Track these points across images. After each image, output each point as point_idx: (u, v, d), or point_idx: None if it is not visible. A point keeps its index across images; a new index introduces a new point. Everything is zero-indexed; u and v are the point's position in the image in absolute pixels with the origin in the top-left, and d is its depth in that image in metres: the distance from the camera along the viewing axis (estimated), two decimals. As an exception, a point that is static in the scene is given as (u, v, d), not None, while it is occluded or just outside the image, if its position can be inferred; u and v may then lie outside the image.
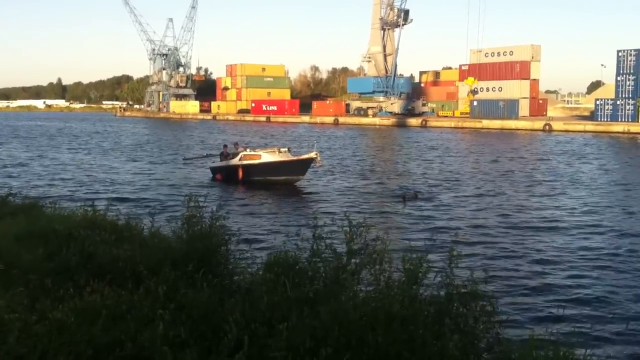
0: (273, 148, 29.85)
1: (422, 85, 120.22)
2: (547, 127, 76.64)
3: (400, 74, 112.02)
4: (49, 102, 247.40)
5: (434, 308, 6.50)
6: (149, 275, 7.52)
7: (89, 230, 9.51)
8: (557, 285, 12.68)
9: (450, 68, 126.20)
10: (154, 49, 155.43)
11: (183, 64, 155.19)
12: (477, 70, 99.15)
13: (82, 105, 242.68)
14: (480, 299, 6.67)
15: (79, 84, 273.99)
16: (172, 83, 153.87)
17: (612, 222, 19.63)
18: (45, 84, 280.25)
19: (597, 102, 79.08)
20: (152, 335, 5.86)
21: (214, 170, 29.59)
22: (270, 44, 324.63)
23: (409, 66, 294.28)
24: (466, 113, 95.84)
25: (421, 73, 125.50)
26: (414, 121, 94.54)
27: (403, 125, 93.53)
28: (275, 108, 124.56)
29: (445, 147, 52.75)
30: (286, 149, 28.83)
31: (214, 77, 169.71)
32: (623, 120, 73.64)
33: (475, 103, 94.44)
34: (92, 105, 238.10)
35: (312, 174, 28.80)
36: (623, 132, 69.34)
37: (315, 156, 26.65)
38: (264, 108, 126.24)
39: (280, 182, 27.09)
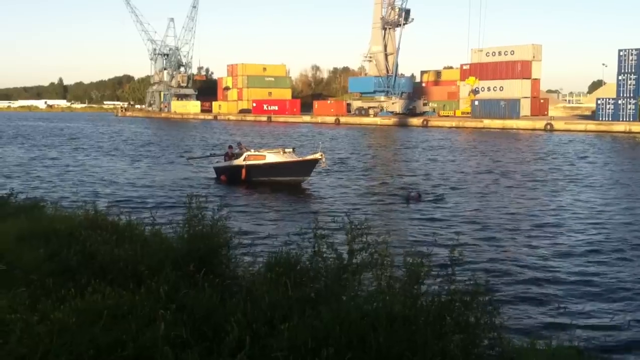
0: (278, 148, 29.62)
1: (423, 84, 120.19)
2: (548, 127, 76.59)
3: (401, 74, 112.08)
4: (50, 102, 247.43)
5: (435, 308, 6.50)
6: (150, 275, 7.53)
7: (90, 231, 9.53)
8: (559, 286, 12.66)
9: (451, 67, 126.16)
10: (155, 49, 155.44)
11: (184, 63, 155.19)
12: (478, 70, 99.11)
13: (84, 105, 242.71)
14: (481, 298, 6.67)
15: (80, 84, 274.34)
16: (174, 83, 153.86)
17: (615, 223, 19.60)
18: (46, 84, 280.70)
19: (599, 102, 78.97)
20: (153, 335, 5.87)
21: (218, 170, 29.34)
22: (271, 44, 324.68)
23: (410, 66, 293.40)
24: (467, 113, 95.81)
25: (422, 73, 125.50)
26: (415, 121, 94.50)
27: (404, 125, 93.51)
28: (276, 108, 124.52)
29: (446, 147, 52.74)
30: (291, 149, 28.67)
31: (215, 77, 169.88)
32: (624, 119, 73.55)
33: (476, 103, 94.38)
34: (94, 106, 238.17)
35: (314, 174, 28.75)
36: (624, 132, 69.27)
37: (320, 157, 26.49)
38: (265, 108, 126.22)
39: (285, 183, 26.93)
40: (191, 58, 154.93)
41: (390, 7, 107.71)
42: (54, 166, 36.21)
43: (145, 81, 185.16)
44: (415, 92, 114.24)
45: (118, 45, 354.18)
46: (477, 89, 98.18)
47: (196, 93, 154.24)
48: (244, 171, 27.35)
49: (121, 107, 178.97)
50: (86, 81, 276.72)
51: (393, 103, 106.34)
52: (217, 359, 5.76)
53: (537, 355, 5.79)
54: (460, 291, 6.71)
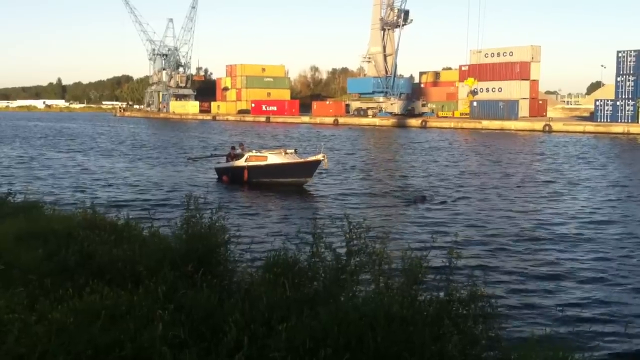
0: (280, 149, 29.52)
1: (422, 85, 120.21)
2: (546, 128, 76.66)
3: (400, 75, 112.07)
4: (48, 102, 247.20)
5: (433, 309, 6.51)
6: (149, 275, 7.53)
7: (88, 231, 9.52)
8: (557, 287, 12.67)
9: (450, 68, 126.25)
10: (154, 49, 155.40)
11: (183, 64, 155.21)
12: (477, 71, 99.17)
13: (82, 105, 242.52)
14: (479, 299, 6.68)
15: (78, 84, 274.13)
16: (172, 83, 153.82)
17: (613, 224, 19.62)
18: (45, 84, 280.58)
19: (597, 103, 79.09)
20: (151, 335, 5.87)
21: (220, 171, 29.22)
22: (270, 44, 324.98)
23: (408, 66, 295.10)
24: (466, 113, 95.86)
25: (421, 73, 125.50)
26: (413, 122, 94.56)
27: (403, 125, 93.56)
28: (275, 108, 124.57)
29: (445, 148, 52.76)
30: (293, 150, 28.55)
31: (213, 77, 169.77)
32: (623, 121, 73.65)
33: (475, 104, 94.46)
34: (92, 106, 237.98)
35: (314, 175, 28.66)
36: (623, 133, 69.35)
37: (322, 158, 26.40)
38: (264, 108, 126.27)
39: (287, 184, 26.81)
40: (190, 58, 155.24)
41: (389, 8, 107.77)
42: (53, 166, 36.16)
43: (144, 81, 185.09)
44: (414, 93, 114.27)
45: (117, 45, 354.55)
46: (475, 90, 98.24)
47: (195, 93, 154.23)
48: (245, 172, 27.25)
49: (120, 108, 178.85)
50: (85, 81, 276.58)
51: (392, 104, 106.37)
52: (215, 359, 5.76)
53: (535, 357, 5.79)
54: (458, 292, 6.72)
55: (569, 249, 15.98)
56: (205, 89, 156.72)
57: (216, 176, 29.45)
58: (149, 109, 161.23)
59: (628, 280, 13.19)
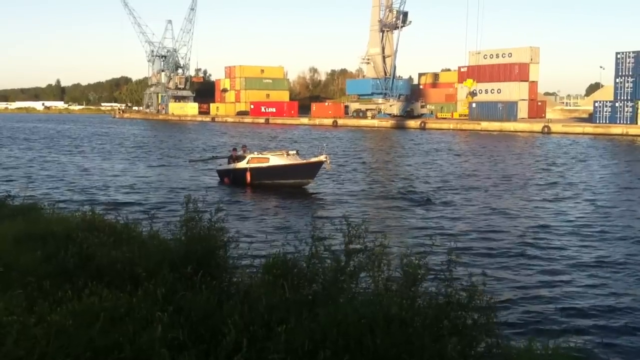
0: (281, 151, 29.43)
1: (421, 87, 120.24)
2: (545, 129, 76.71)
3: (399, 76, 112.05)
4: (47, 103, 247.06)
5: (432, 310, 6.50)
6: (148, 277, 7.52)
7: (87, 232, 9.51)
8: (557, 289, 12.67)
9: (449, 70, 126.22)
10: (152, 51, 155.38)
11: (182, 65, 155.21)
12: (476, 72, 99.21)
13: (81, 107, 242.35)
14: (479, 301, 6.67)
15: (77, 85, 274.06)
16: (171, 85, 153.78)
17: (613, 226, 19.61)
18: (43, 85, 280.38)
19: (596, 104, 79.16)
20: (150, 337, 5.86)
21: (221, 173, 29.12)
22: (269, 46, 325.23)
23: (407, 68, 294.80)
24: (465, 115, 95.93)
25: (420, 75, 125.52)
26: (412, 123, 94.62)
27: (402, 127, 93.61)
28: (274, 110, 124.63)
29: (444, 150, 52.78)
30: (294, 152, 28.43)
31: (212, 78, 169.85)
32: (622, 122, 73.71)
33: (474, 105, 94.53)
34: (91, 107, 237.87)
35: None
36: (622, 134, 69.40)
37: (325, 159, 26.32)
38: (263, 110, 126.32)
39: (289, 186, 26.73)
40: (189, 60, 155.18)
41: (388, 10, 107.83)
42: (52, 168, 36.15)
43: (143, 83, 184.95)
44: (413, 94, 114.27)
45: (116, 47, 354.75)
46: (474, 92, 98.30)
47: (194, 95, 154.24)
48: (247, 174, 27.17)
49: (119, 109, 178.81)
50: (84, 83, 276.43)
51: (391, 105, 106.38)
52: (214, 361, 5.75)
53: (535, 358, 5.79)
54: (458, 293, 6.72)
55: (569, 251, 15.97)
56: (204, 91, 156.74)
57: (217, 178, 29.40)
58: (148, 110, 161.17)
59: (629, 282, 13.19)
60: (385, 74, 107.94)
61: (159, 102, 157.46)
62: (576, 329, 10.04)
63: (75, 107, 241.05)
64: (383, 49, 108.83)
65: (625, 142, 61.30)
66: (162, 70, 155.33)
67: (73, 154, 47.57)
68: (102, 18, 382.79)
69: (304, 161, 27.76)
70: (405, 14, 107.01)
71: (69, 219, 11.68)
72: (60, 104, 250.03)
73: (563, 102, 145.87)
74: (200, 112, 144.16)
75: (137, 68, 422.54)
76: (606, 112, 76.21)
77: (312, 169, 27.09)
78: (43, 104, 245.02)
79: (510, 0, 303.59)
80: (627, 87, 74.75)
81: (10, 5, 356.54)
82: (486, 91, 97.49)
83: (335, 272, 7.43)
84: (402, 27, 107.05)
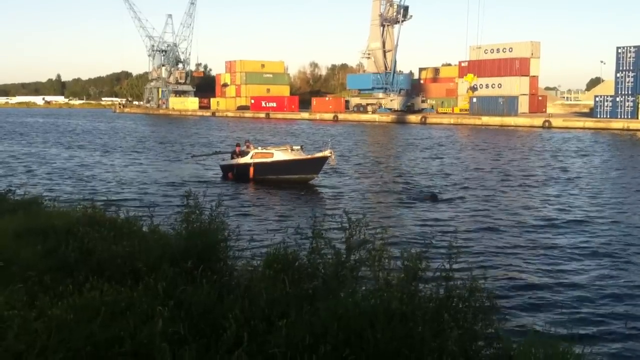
0: (286, 146, 29.36)
1: (422, 81, 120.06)
2: (546, 124, 76.63)
3: (399, 71, 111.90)
4: (48, 98, 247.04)
5: (433, 304, 6.51)
6: (148, 271, 7.53)
7: (88, 227, 9.51)
8: (557, 283, 12.68)
9: (449, 64, 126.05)
10: (153, 45, 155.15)
11: (182, 60, 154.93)
12: (477, 67, 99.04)
13: (81, 101, 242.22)
14: (479, 295, 6.67)
15: (78, 80, 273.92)
16: (172, 79, 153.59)
17: (614, 221, 19.62)
18: (44, 80, 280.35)
19: (597, 99, 79.06)
20: (151, 332, 5.86)
21: (225, 168, 29.03)
22: (270, 40, 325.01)
23: (408, 63, 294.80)
24: (465, 110, 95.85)
25: (420, 69, 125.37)
26: (413, 118, 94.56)
27: (403, 122, 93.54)
28: (274, 104, 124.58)
29: (446, 145, 52.75)
30: (299, 147, 28.40)
31: (213, 73, 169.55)
32: (622, 117, 73.63)
33: (474, 100, 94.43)
34: (91, 102, 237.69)
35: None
36: (622, 129, 69.33)
37: (329, 154, 26.26)
38: (264, 105, 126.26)
39: (293, 181, 26.68)
40: (189, 54, 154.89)
41: (388, 4, 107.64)
42: (53, 162, 36.17)
43: (143, 77, 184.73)
44: (414, 89, 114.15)
45: (116, 41, 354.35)
46: (475, 86, 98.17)
47: (194, 89, 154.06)
48: (251, 169, 27.11)
49: (119, 104, 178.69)
50: (84, 77, 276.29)
51: (391, 100, 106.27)
52: (215, 355, 5.75)
53: (535, 353, 5.79)
54: (458, 288, 6.72)
55: (571, 246, 15.98)
56: (204, 85, 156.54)
57: (221, 173, 29.34)
58: (148, 105, 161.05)
59: (629, 276, 13.20)
60: (386, 69, 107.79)
61: (160, 96, 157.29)
62: (577, 324, 10.05)
63: (76, 102, 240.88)
64: (384, 43, 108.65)
65: (626, 137, 61.21)
66: (163, 65, 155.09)
67: (73, 148, 47.57)
68: (103, 13, 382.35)
69: (309, 156, 27.71)
70: (406, 8, 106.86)
71: (69, 213, 11.69)
72: (60, 99, 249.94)
73: (564, 97, 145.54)
74: (200, 107, 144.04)
75: (138, 63, 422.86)
76: (607, 106, 76.13)
77: (316, 164, 27.01)
78: (43, 99, 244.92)
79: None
80: (628, 82, 74.65)
81: (11, 1, 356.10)
82: (487, 86, 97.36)
83: (335, 267, 7.43)
84: (402, 21, 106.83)
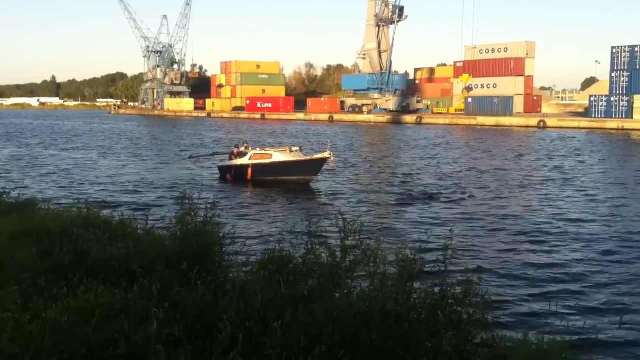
0: (284, 147, 29.22)
1: (417, 82, 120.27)
2: (541, 124, 76.77)
3: (395, 71, 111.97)
4: (43, 100, 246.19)
5: (428, 305, 6.51)
6: (143, 273, 7.52)
7: (82, 229, 9.49)
8: (552, 284, 12.70)
9: (445, 65, 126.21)
10: (148, 46, 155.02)
11: (177, 61, 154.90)
12: (472, 67, 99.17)
13: (76, 103, 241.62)
14: (474, 296, 6.68)
15: (73, 81, 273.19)
16: (167, 80, 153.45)
17: (611, 221, 19.66)
18: (39, 81, 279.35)
19: (592, 99, 79.25)
20: (146, 333, 5.85)
21: (223, 169, 28.85)
22: (265, 41, 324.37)
23: (403, 63, 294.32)
24: (461, 110, 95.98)
25: (416, 70, 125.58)
26: (409, 118, 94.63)
27: (398, 122, 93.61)
28: (270, 105, 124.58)
29: (441, 145, 52.80)
30: (298, 148, 28.28)
31: (208, 74, 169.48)
32: (617, 116, 73.83)
33: (469, 100, 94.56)
34: (87, 103, 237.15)
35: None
36: (617, 129, 69.52)
37: (328, 156, 26.15)
38: (259, 105, 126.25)
39: (292, 183, 26.60)
40: (184, 55, 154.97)
41: (384, 4, 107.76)
42: (47, 164, 36.07)
43: (139, 79, 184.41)
44: (409, 89, 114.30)
45: (111, 42, 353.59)
46: (470, 86, 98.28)
47: (189, 90, 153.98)
48: (250, 170, 26.99)
49: (114, 105, 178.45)
50: (79, 79, 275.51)
51: (387, 100, 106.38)
52: (210, 357, 5.75)
53: (529, 353, 5.80)
54: (453, 289, 6.73)
55: (564, 247, 16.01)
56: (200, 86, 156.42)
57: (218, 174, 29.21)
58: (143, 106, 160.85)
59: (623, 278, 13.22)
60: (381, 69, 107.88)
61: (155, 97, 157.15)
62: (571, 324, 10.06)
63: (71, 103, 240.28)
64: (379, 44, 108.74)
65: (620, 136, 61.37)
66: (158, 66, 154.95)
67: (68, 150, 47.46)
68: (98, 14, 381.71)
69: (307, 157, 27.63)
70: (402, 9, 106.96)
71: (64, 215, 11.66)
72: (55, 100, 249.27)
73: (559, 97, 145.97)
74: (196, 108, 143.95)
75: (133, 64, 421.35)
76: (602, 106, 76.31)
77: (315, 166, 26.91)
78: (38, 100, 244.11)
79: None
80: (623, 82, 74.86)
81: (5, 2, 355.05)
82: (482, 86, 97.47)
83: (331, 268, 7.43)
84: (398, 21, 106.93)
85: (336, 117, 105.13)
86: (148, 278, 7.26)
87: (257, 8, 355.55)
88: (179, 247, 8.54)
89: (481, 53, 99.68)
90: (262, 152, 28.06)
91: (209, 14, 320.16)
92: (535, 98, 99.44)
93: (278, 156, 27.18)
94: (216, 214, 9.52)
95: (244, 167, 27.28)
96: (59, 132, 73.23)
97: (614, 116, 74.14)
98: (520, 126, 78.70)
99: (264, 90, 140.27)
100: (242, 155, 28.15)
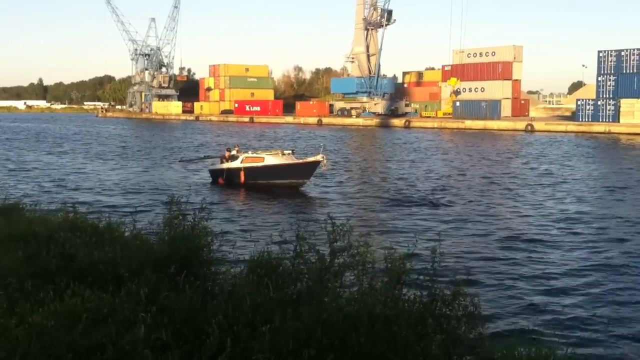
0: (276, 150, 29.01)
1: (405, 85, 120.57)
2: (529, 128, 77.19)
3: (383, 75, 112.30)
4: (29, 102, 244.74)
5: (416, 309, 6.52)
6: (131, 277, 7.47)
7: (69, 233, 9.43)
8: (541, 286, 12.75)
9: (433, 69, 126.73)
10: (136, 49, 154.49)
11: (166, 64, 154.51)
12: (460, 71, 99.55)
13: (64, 105, 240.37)
14: (463, 299, 6.69)
15: (60, 84, 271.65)
16: (155, 83, 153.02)
17: (599, 224, 19.77)
18: (25, 84, 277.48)
19: (579, 103, 79.80)
20: (133, 338, 5.82)
21: (214, 173, 28.53)
22: (254, 44, 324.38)
23: (392, 67, 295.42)
24: (449, 113, 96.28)
25: (404, 73, 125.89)
26: (397, 122, 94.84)
27: (386, 125, 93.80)
28: (258, 108, 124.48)
29: (430, 148, 52.95)
30: (290, 151, 28.13)
31: (197, 77, 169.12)
32: (604, 120, 74.36)
33: (457, 103, 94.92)
34: (74, 106, 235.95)
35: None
36: (604, 133, 70.02)
37: (321, 159, 26.03)
38: (248, 109, 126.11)
39: (284, 186, 26.44)
40: (173, 58, 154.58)
41: (372, 8, 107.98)
42: (33, 168, 35.80)
43: (126, 82, 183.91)
44: (398, 93, 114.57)
45: (98, 45, 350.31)
46: (458, 90, 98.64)
47: (178, 94, 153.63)
48: (242, 174, 26.86)
49: (102, 108, 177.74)
50: (66, 81, 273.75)
51: (375, 104, 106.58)
52: (198, 361, 5.72)
53: (518, 356, 5.82)
54: (442, 292, 6.74)
55: (554, 249, 16.09)
56: (188, 89, 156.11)
57: (210, 178, 28.93)
58: (131, 109, 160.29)
59: (612, 279, 13.30)
60: (370, 73, 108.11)
61: (143, 101, 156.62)
62: (559, 329, 10.11)
63: (58, 106, 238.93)
64: (367, 47, 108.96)
65: (607, 140, 61.80)
66: (146, 69, 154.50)
67: (55, 153, 47.16)
68: (85, 16, 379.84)
69: (300, 161, 27.49)
70: (390, 12, 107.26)
71: (50, 219, 11.57)
72: (42, 103, 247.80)
73: (546, 101, 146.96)
74: (184, 111, 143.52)
75: (121, 67, 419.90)
76: (589, 110, 76.85)
77: (307, 169, 26.79)
78: (25, 103, 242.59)
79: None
80: (609, 86, 75.42)
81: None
82: (470, 90, 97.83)
83: (319, 272, 7.42)
84: (386, 25, 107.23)
85: (325, 120, 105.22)
86: (135, 282, 7.21)
87: (246, 11, 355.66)
88: (166, 250, 8.50)
89: (469, 57, 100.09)
90: (254, 155, 27.89)
91: (198, 17, 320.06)
92: (522, 102, 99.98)
93: (270, 159, 27.01)
94: (205, 217, 9.49)
95: (236, 171, 27.13)
96: (46, 135, 72.73)
97: (600, 120, 74.67)
98: (508, 130, 79.09)
99: (252, 94, 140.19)
100: (233, 158, 27.92)
